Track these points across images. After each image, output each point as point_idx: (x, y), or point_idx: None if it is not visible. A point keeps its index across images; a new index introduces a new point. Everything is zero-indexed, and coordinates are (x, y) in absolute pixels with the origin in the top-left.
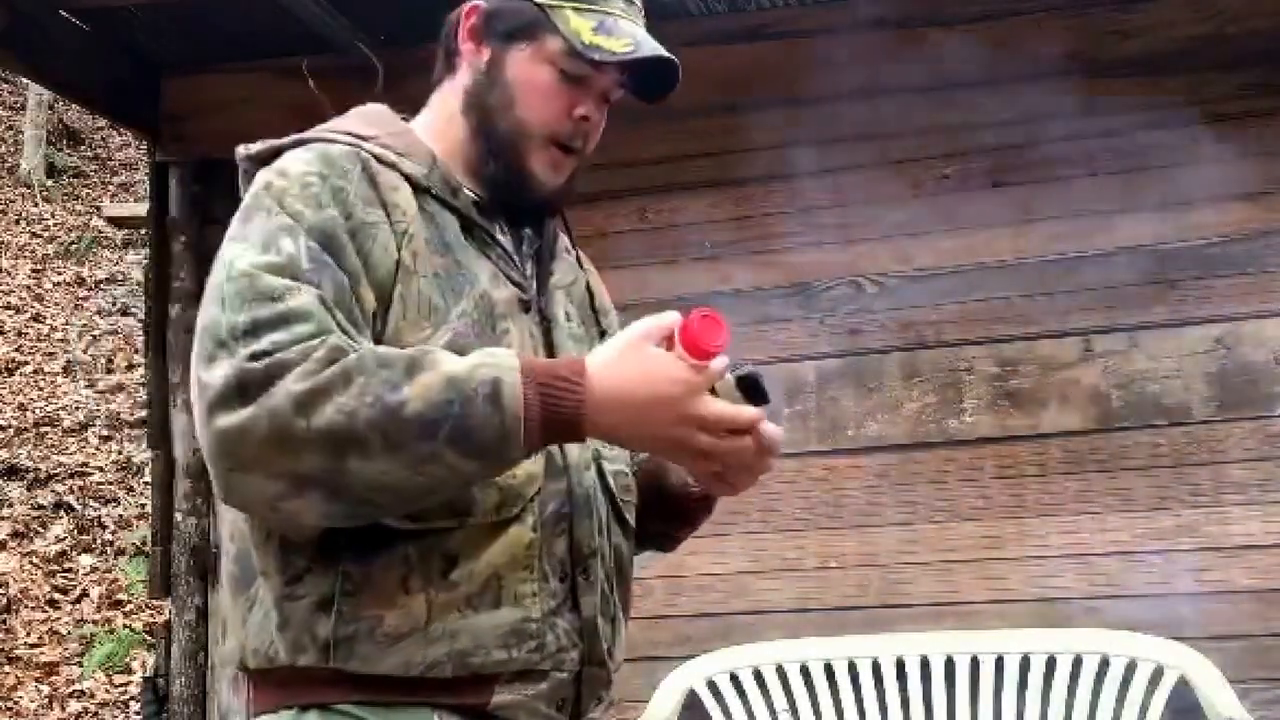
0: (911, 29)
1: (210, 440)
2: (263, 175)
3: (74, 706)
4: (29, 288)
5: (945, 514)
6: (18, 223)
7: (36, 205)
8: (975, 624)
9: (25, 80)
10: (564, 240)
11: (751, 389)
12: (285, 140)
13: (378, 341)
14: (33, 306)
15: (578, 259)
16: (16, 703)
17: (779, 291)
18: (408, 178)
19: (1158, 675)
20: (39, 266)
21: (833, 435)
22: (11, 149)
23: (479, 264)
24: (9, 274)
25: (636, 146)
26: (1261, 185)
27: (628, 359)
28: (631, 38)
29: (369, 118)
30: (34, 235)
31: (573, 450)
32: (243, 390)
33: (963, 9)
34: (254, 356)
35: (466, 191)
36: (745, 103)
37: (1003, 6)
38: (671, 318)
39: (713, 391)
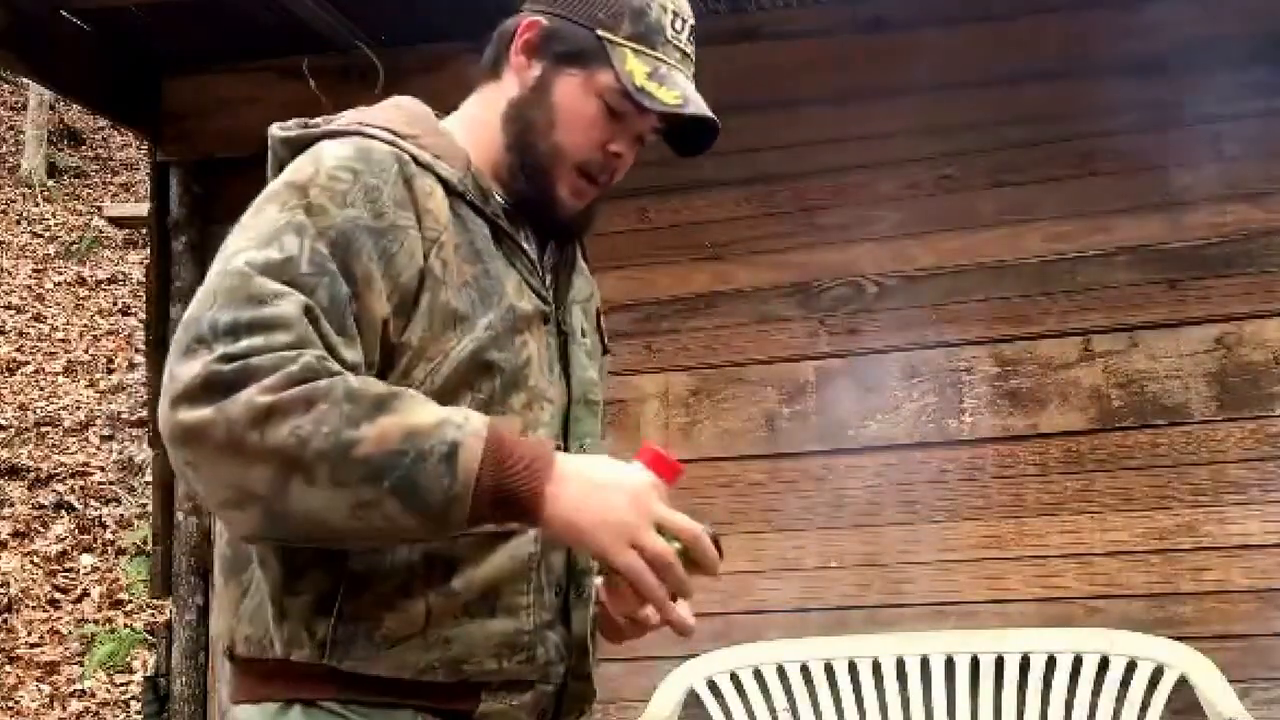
0: (912, 29)
1: (170, 431)
2: (294, 164)
3: (75, 706)
4: (30, 288)
5: (945, 514)
6: (19, 223)
7: (38, 205)
8: (975, 623)
9: (26, 80)
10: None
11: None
12: (320, 128)
13: (396, 348)
14: (34, 306)
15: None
16: (18, 702)
17: (779, 291)
18: (442, 181)
19: (1158, 675)
20: (40, 266)
21: (833, 435)
22: (13, 149)
23: (506, 273)
24: (10, 274)
25: None
26: (1262, 185)
27: (599, 460)
28: (682, 92)
29: (409, 114)
30: (35, 235)
31: None
32: (209, 389)
33: (963, 9)
34: (226, 358)
35: (497, 198)
36: (746, 103)
37: (1003, 6)
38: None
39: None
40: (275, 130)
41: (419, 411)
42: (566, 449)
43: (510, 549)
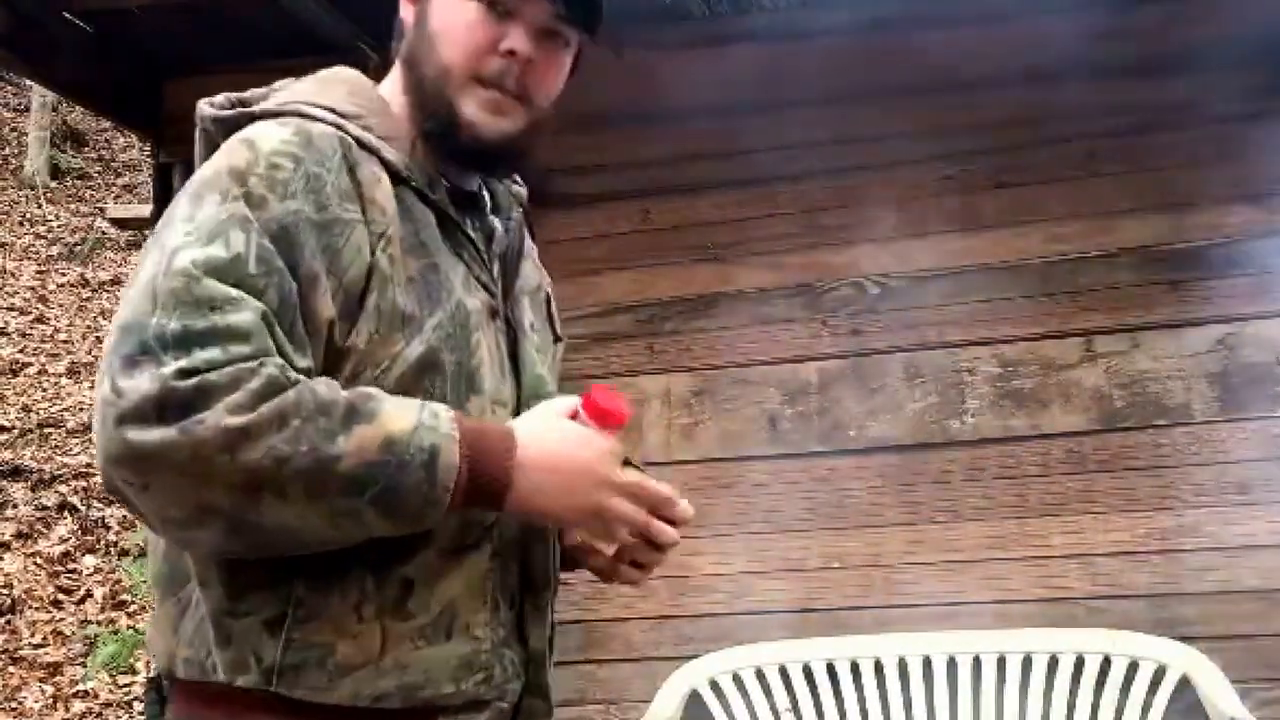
0: (912, 30)
1: (118, 451)
2: (228, 147)
3: (78, 707)
4: (33, 289)
5: (948, 514)
6: (22, 224)
7: (40, 207)
8: (978, 624)
9: (29, 82)
10: (528, 240)
11: None
12: (256, 104)
13: (341, 352)
14: (37, 308)
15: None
16: (21, 703)
17: (782, 292)
18: (388, 167)
19: (1160, 675)
20: (43, 268)
21: (835, 436)
22: (16, 151)
23: (454, 267)
24: (13, 275)
25: (639, 147)
26: (1263, 185)
27: (550, 429)
28: None
29: (351, 90)
30: (38, 237)
31: None
32: (163, 408)
33: (963, 9)
34: (182, 374)
35: (444, 182)
36: (748, 103)
37: (1003, 7)
38: (571, 399)
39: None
40: (205, 109)
41: (391, 414)
42: None
43: (466, 566)
